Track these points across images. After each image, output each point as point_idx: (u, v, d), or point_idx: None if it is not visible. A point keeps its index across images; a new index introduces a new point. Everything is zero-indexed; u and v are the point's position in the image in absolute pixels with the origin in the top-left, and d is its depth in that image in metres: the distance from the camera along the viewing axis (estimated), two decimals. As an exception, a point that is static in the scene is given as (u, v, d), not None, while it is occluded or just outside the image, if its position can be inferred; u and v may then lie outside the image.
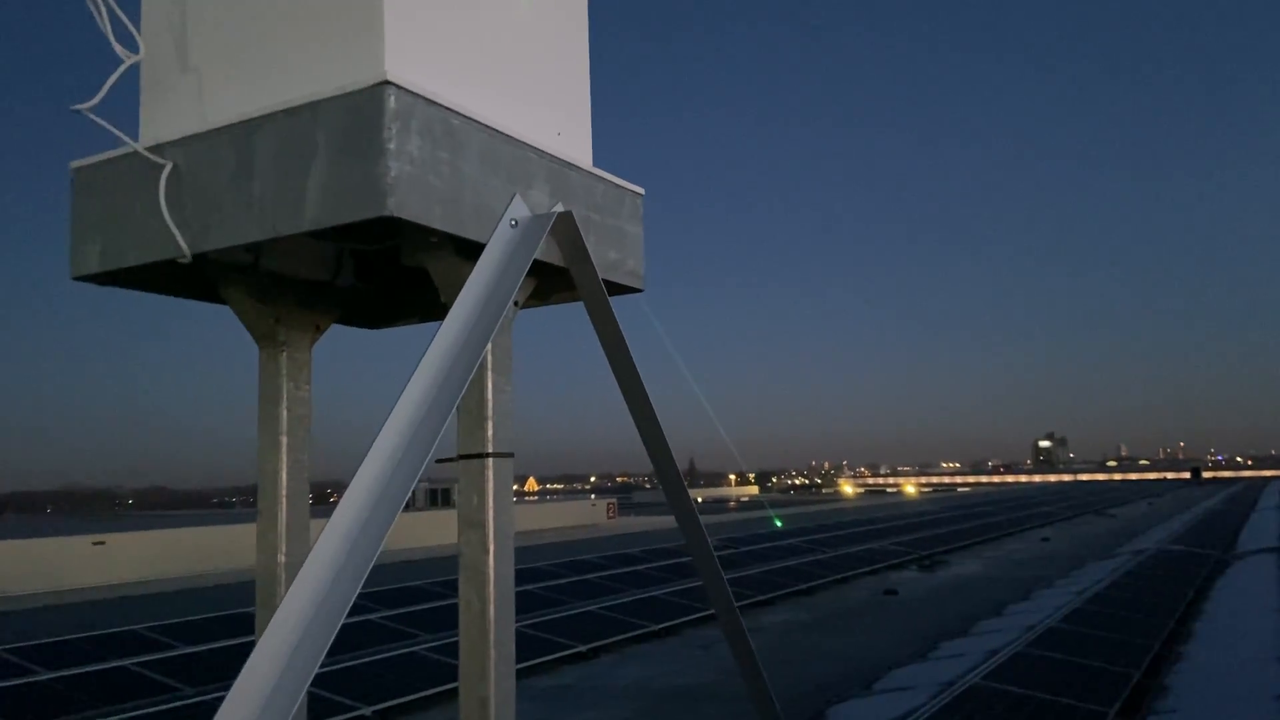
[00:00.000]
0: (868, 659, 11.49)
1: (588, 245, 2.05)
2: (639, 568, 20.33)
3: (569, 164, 2.19)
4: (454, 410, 1.63)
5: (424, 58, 1.82)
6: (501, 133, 1.97)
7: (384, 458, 1.52)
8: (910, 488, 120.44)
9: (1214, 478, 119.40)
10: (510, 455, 1.97)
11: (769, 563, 21.44)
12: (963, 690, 8.39)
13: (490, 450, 1.91)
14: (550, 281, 2.27)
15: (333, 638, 1.35)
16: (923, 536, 28.73)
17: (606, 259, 2.28)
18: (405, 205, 1.69)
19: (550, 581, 17.93)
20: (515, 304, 2.03)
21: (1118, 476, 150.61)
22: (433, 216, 1.76)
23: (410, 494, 1.50)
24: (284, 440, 2.11)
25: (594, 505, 53.33)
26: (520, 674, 10.95)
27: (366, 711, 8.96)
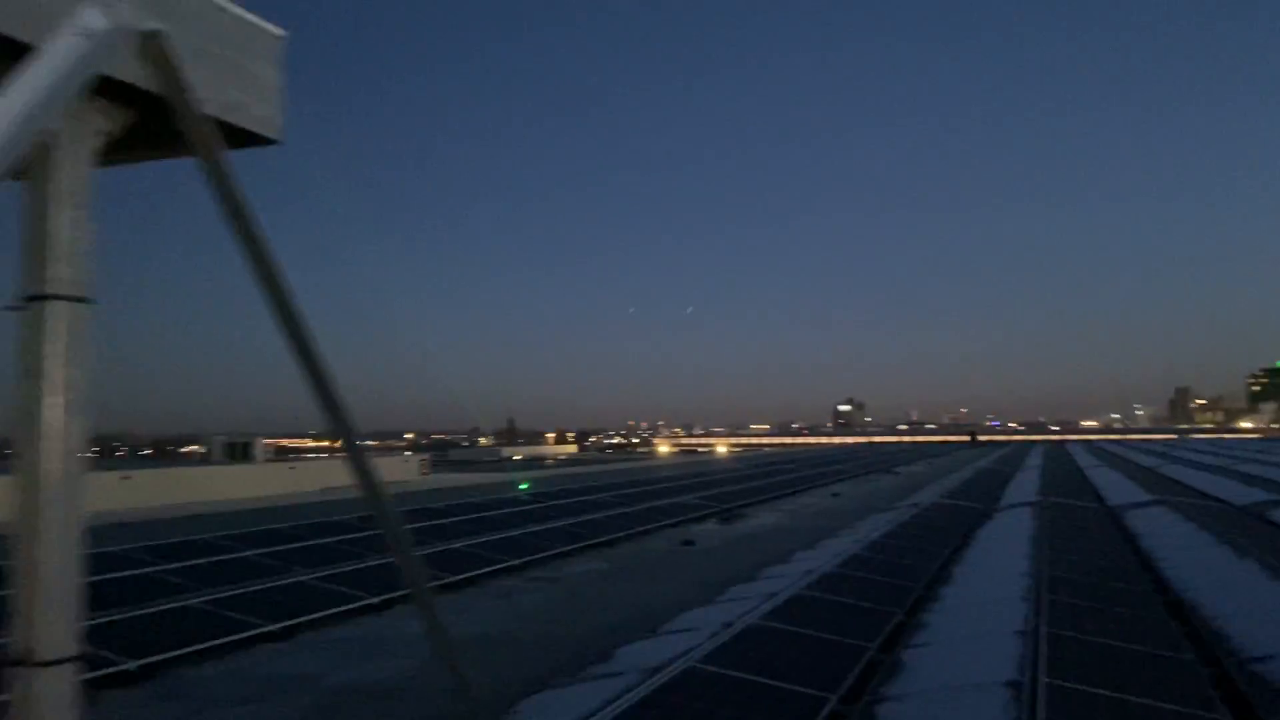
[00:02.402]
0: (660, 604, 11.88)
1: (191, 76, 1.92)
2: (443, 522, 20.13)
3: None
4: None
5: None
6: None
7: None
8: (721, 448, 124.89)
9: (989, 441, 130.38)
10: (85, 300, 1.86)
11: (574, 516, 21.72)
12: (740, 630, 8.83)
13: (54, 292, 1.79)
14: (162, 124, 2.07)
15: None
16: (725, 491, 29.91)
17: (226, 98, 2.13)
18: None
19: (348, 535, 17.46)
20: (107, 134, 1.91)
21: (907, 439, 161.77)
22: None
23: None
24: None
25: (406, 462, 52.52)
26: (311, 625, 10.64)
27: (131, 665, 8.47)
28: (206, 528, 19.77)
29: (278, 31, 2.29)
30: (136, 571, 12.94)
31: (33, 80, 1.63)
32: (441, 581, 13.21)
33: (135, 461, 59.61)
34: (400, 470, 49.20)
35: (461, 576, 13.69)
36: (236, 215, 2.04)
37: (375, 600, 11.73)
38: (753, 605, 10.36)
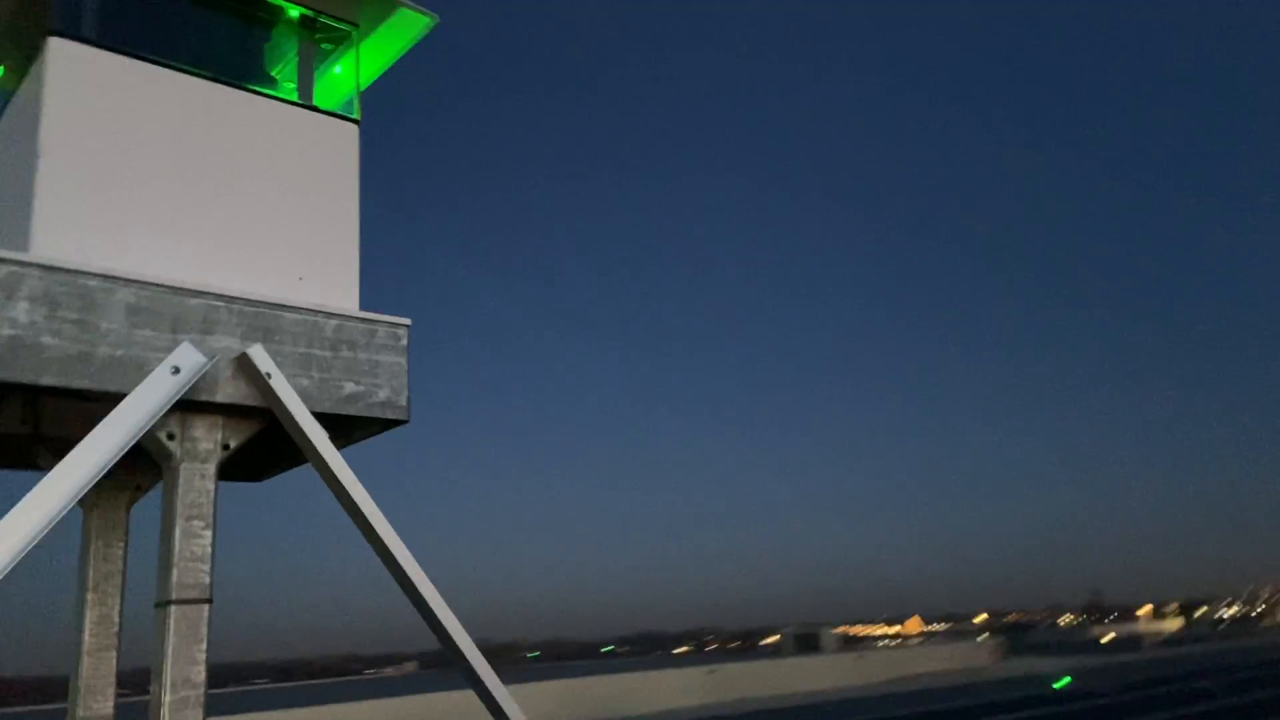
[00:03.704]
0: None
1: (300, 381, 2.00)
2: (1007, 717, 18.14)
3: (280, 306, 2.19)
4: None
5: (80, 227, 1.95)
6: (169, 285, 2.01)
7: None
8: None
9: None
10: (205, 601, 1.89)
11: (1166, 711, 18.19)
12: None
13: (173, 598, 1.85)
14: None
15: None
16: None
17: (339, 393, 2.22)
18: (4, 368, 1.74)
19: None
20: (226, 447, 1.99)
21: None
22: (47, 375, 1.80)
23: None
24: (89, 597, 2.20)
25: (976, 647, 49.52)
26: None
27: None
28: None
29: (402, 320, 2.40)
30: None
31: (118, 418, 1.84)
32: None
33: (722, 655, 64.42)
34: (968, 656, 46.21)
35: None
36: (352, 510, 2.11)
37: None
38: None
